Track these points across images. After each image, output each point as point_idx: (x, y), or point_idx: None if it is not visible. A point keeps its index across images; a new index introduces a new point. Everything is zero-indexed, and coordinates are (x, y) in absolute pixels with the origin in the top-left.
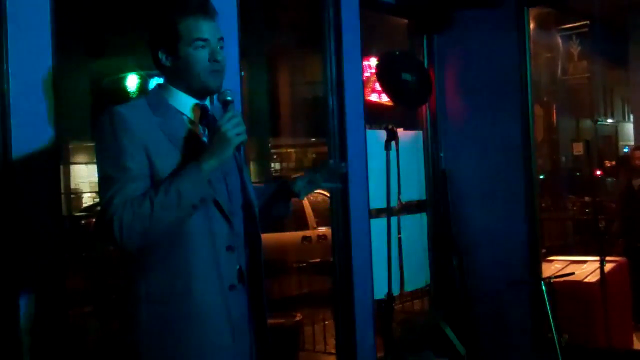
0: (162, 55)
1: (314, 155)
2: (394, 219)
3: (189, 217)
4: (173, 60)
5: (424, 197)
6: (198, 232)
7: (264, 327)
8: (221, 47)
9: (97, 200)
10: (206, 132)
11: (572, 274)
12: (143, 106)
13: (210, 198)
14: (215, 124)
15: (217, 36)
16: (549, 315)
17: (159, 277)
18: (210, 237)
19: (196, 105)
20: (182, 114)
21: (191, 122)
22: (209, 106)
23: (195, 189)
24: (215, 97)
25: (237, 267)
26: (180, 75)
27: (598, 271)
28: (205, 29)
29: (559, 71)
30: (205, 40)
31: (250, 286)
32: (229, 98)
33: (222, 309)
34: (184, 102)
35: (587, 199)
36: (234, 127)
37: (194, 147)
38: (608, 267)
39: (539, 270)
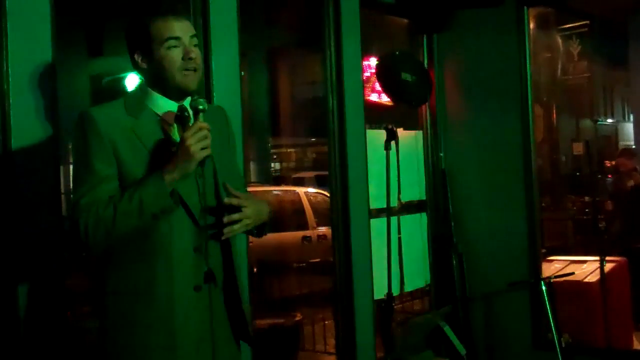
0: (137, 58)
1: (314, 155)
2: (394, 219)
3: (151, 224)
4: (148, 62)
5: (424, 197)
6: (164, 232)
7: (243, 327)
8: (195, 45)
9: None
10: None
11: (572, 274)
12: (119, 107)
13: (171, 210)
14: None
15: (190, 34)
16: (549, 315)
17: (125, 274)
18: (177, 238)
19: (171, 106)
20: (157, 115)
21: (165, 123)
22: (186, 106)
23: (156, 200)
24: (189, 101)
25: (205, 268)
26: (156, 77)
27: (598, 271)
28: (176, 27)
29: (559, 71)
30: (177, 38)
31: (224, 287)
32: (201, 107)
33: (185, 310)
34: (160, 104)
35: (587, 198)
36: (197, 142)
37: (165, 149)
38: (608, 267)
39: (539, 270)
